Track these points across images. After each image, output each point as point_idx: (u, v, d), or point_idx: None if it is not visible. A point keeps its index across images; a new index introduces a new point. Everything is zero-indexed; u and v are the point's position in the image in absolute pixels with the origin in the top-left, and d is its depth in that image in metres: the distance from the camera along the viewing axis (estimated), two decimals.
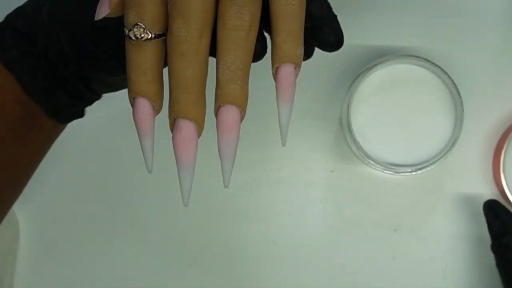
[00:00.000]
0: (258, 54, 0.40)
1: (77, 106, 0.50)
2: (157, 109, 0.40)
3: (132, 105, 0.39)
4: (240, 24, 0.37)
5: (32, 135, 0.49)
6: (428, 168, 0.60)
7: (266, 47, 0.40)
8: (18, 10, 0.48)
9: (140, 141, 0.40)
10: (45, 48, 0.46)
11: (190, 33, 0.37)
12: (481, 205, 0.63)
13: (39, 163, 0.52)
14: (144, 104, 0.39)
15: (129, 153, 0.61)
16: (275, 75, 0.40)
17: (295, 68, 0.39)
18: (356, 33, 0.65)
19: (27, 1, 0.48)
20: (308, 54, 0.43)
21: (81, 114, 0.51)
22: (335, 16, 0.41)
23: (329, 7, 0.41)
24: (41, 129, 0.49)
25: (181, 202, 0.41)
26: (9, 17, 0.48)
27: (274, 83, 0.41)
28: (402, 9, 0.65)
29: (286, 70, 0.39)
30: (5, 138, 0.48)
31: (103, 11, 0.39)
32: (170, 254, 0.65)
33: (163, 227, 0.65)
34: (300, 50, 0.39)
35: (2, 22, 0.48)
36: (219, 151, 0.39)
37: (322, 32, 0.41)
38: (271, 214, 0.65)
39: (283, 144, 0.40)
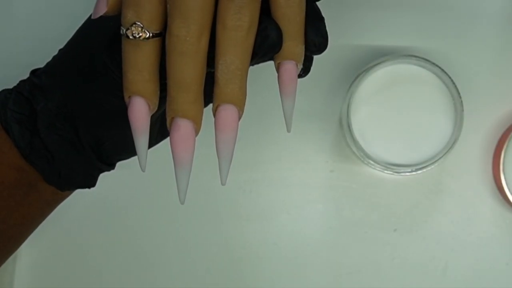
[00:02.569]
0: (276, 43, 0.40)
1: (82, 174, 0.48)
2: (152, 108, 0.40)
3: (128, 103, 0.40)
4: (239, 24, 0.37)
5: (28, 198, 0.48)
6: (428, 168, 0.60)
7: (281, 38, 0.40)
8: (29, 76, 0.48)
9: (134, 139, 0.40)
10: (44, 108, 0.46)
11: (190, 33, 0.37)
12: (481, 205, 0.63)
13: (37, 225, 0.51)
14: (140, 103, 0.39)
15: None
16: (277, 70, 0.41)
17: (296, 64, 0.40)
18: (356, 33, 0.65)
19: (42, 67, 0.48)
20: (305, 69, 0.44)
21: (88, 183, 0.49)
22: (322, 18, 0.42)
23: (315, 9, 0.42)
24: (41, 194, 0.48)
25: (179, 202, 0.41)
26: (21, 82, 0.48)
27: (275, 86, 0.42)
28: (402, 9, 0.65)
29: (287, 66, 0.40)
30: None
31: (100, 10, 0.39)
32: (170, 254, 0.65)
33: (162, 227, 0.65)
34: (300, 48, 0.41)
35: (15, 86, 0.48)
36: (216, 149, 0.39)
37: (306, 31, 0.41)
38: (271, 214, 0.65)
39: (288, 131, 0.43)
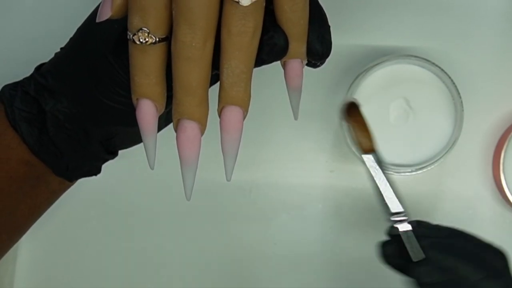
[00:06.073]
0: (283, 49, 0.40)
1: (89, 165, 0.49)
2: (160, 110, 0.41)
3: (135, 106, 0.40)
4: (244, 30, 0.38)
5: (36, 190, 0.49)
6: (428, 168, 0.60)
7: (288, 44, 0.41)
8: (33, 74, 0.48)
9: (143, 140, 0.41)
10: (53, 109, 0.46)
11: (195, 38, 0.38)
12: (481, 205, 0.63)
13: (43, 213, 0.52)
14: (147, 105, 0.40)
15: None
16: (283, 66, 0.42)
17: (301, 61, 0.42)
18: (356, 33, 0.65)
19: (46, 64, 0.48)
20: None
21: (94, 172, 0.50)
22: (329, 26, 0.42)
23: (322, 15, 0.42)
24: (48, 185, 0.49)
25: (180, 202, 0.42)
26: (25, 79, 0.48)
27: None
28: (402, 9, 0.65)
29: (294, 65, 0.42)
30: (4, 190, 0.47)
31: (105, 14, 0.39)
32: (170, 254, 0.65)
33: (162, 227, 0.65)
34: (304, 48, 0.41)
35: (19, 83, 0.48)
36: (222, 149, 0.40)
37: (309, 38, 0.41)
38: (271, 214, 0.65)
39: (296, 118, 0.44)
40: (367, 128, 0.50)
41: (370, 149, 0.50)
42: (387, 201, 0.50)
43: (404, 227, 0.51)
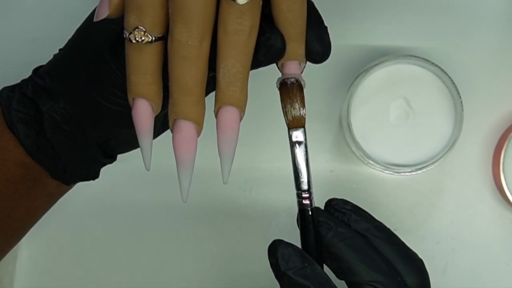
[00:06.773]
0: (280, 50, 0.41)
1: (87, 169, 0.49)
2: (156, 109, 0.41)
3: (131, 105, 0.40)
4: (241, 29, 0.38)
5: (33, 193, 0.48)
6: (428, 168, 0.60)
7: (285, 45, 0.41)
8: (31, 76, 0.48)
9: (139, 140, 0.41)
10: (50, 110, 0.46)
11: (192, 37, 0.38)
12: (481, 205, 0.63)
13: (41, 216, 0.52)
14: (143, 105, 0.40)
15: None
16: (280, 69, 0.42)
17: (299, 63, 0.42)
18: (356, 33, 0.65)
19: (44, 66, 0.48)
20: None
21: (92, 176, 0.50)
22: (326, 26, 0.42)
23: (319, 16, 0.42)
24: (45, 188, 0.49)
25: (180, 202, 0.41)
26: (23, 81, 0.48)
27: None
28: (402, 9, 0.65)
29: (291, 66, 0.42)
30: (1, 192, 0.47)
31: (102, 13, 0.39)
32: (170, 254, 0.65)
33: (162, 227, 0.65)
34: (302, 49, 0.41)
35: (17, 84, 0.48)
36: (218, 149, 0.40)
37: (308, 39, 0.41)
38: (271, 214, 0.65)
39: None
40: (303, 104, 0.47)
41: (300, 125, 0.49)
42: (302, 178, 0.50)
43: (308, 205, 0.51)
